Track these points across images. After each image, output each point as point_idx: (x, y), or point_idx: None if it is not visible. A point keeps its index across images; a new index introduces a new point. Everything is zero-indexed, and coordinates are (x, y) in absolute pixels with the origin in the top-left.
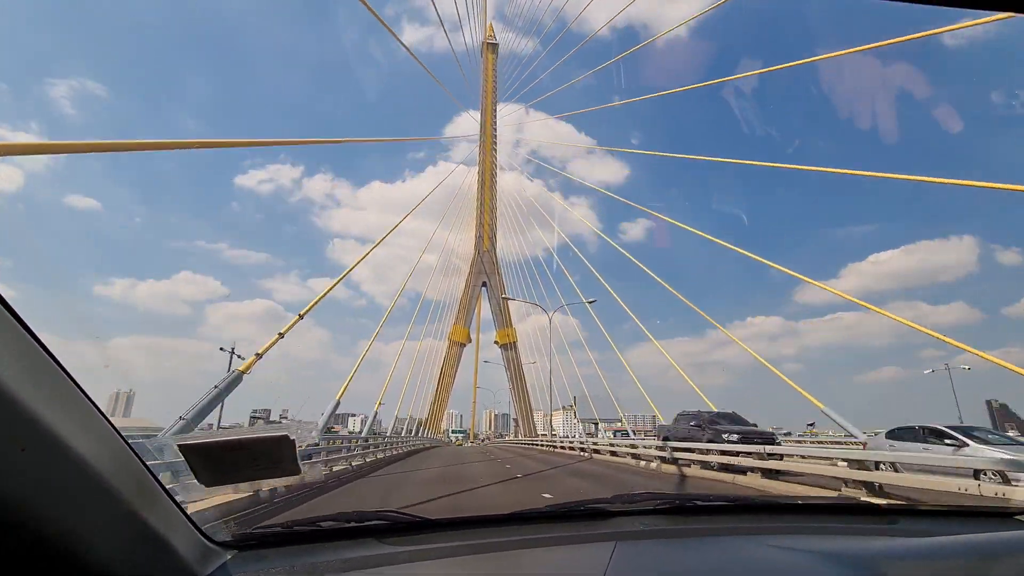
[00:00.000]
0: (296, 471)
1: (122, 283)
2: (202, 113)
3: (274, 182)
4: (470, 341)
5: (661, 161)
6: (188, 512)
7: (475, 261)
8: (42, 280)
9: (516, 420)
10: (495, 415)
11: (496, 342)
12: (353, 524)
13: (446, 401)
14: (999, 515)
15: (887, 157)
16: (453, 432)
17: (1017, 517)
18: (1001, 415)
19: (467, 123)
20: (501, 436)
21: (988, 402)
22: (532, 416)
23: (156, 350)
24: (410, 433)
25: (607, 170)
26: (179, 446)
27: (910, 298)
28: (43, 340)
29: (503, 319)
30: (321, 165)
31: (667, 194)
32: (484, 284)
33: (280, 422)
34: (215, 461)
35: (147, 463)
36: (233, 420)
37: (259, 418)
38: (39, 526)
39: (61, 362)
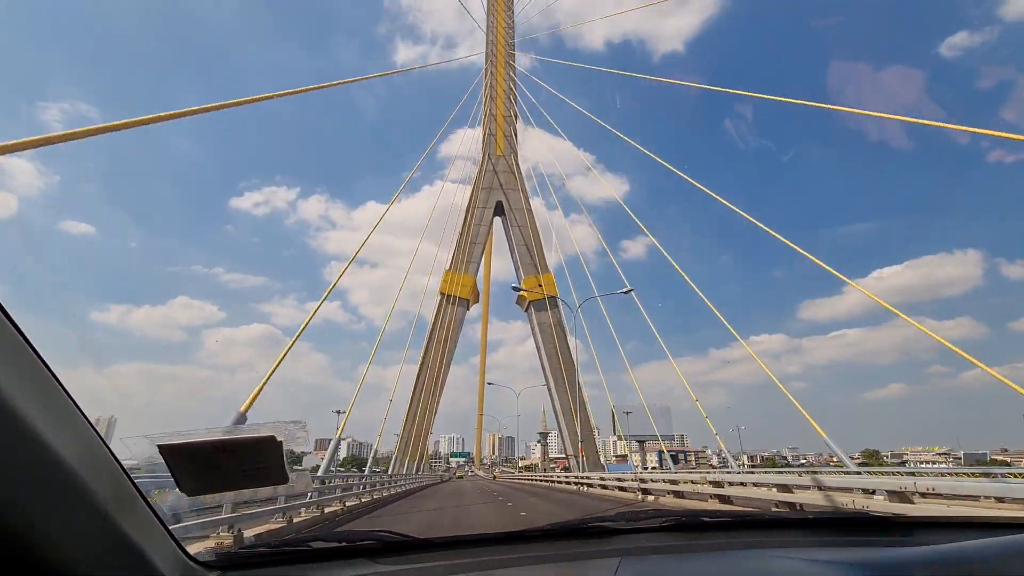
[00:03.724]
0: (284, 479)
1: (119, 309)
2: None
3: (270, 204)
4: (476, 299)
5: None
6: (171, 528)
7: (483, 170)
8: (37, 306)
9: (549, 434)
10: (499, 439)
11: (522, 298)
12: (344, 544)
13: (435, 407)
14: (1016, 526)
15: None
16: (454, 456)
17: None
18: None
19: None
20: (507, 462)
21: None
22: (593, 433)
23: (152, 376)
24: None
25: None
26: (159, 447)
27: (916, 313)
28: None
29: (533, 259)
30: (317, 186)
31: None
32: (498, 207)
33: None
34: (198, 466)
35: (130, 473)
36: None
37: None
38: (4, 520)
39: (46, 359)
